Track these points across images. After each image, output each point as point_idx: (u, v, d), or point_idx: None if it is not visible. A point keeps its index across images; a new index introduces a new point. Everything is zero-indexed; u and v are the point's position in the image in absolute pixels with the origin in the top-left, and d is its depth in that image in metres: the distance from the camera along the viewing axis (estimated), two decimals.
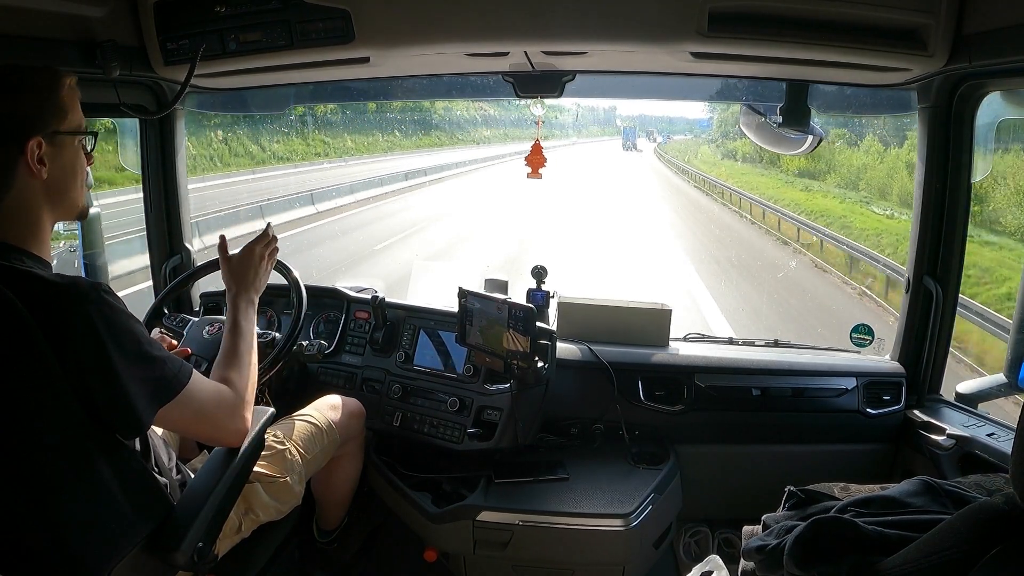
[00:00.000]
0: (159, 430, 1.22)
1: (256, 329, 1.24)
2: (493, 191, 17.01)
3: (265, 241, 1.32)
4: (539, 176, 1.76)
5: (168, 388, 0.95)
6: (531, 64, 1.56)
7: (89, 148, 1.01)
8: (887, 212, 11.29)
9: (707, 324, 5.68)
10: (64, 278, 0.88)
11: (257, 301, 1.27)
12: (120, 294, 0.93)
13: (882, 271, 7.26)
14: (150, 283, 1.98)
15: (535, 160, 1.75)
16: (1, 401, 0.85)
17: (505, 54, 1.48)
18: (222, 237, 1.33)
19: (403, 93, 2.01)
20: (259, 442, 1.17)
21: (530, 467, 1.58)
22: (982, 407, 1.63)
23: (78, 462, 0.90)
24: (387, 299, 1.79)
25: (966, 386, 1.65)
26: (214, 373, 1.11)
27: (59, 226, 1.72)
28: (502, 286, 1.75)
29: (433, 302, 1.80)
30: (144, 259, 1.97)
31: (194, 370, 1.00)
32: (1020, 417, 0.75)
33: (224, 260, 1.31)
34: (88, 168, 1.03)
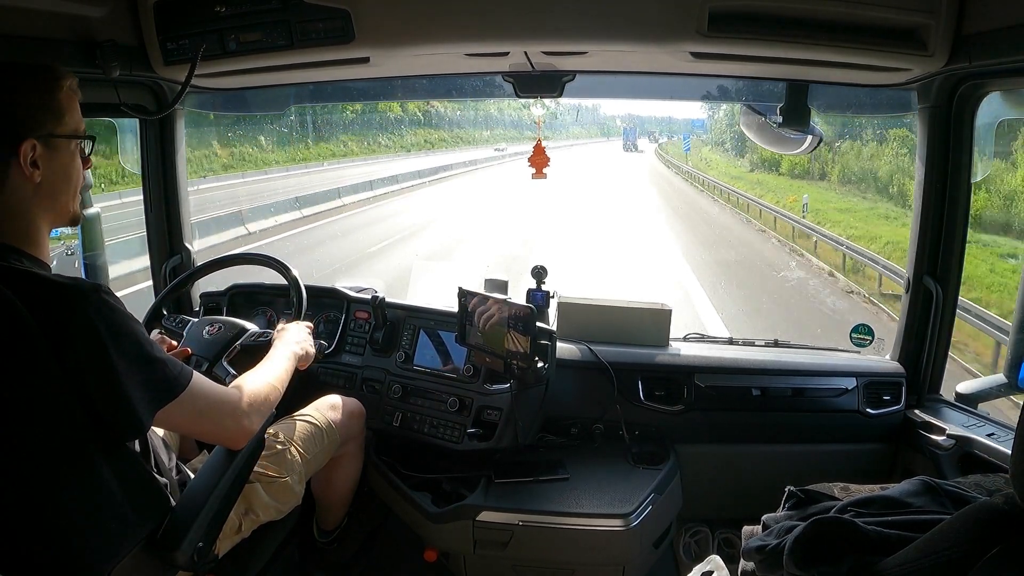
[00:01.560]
0: (159, 430, 1.22)
1: (286, 355, 1.31)
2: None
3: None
4: (544, 176, 1.76)
5: (168, 390, 0.95)
6: (531, 64, 1.56)
7: (87, 152, 0.99)
8: None
9: None
10: (64, 279, 0.88)
11: (294, 354, 1.34)
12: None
13: None
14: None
15: (538, 160, 1.76)
16: (1, 401, 0.85)
17: (505, 54, 1.48)
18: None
19: (403, 93, 2.01)
20: (259, 442, 1.18)
21: (530, 467, 1.57)
22: (982, 407, 1.63)
23: (78, 462, 0.90)
24: (387, 299, 1.79)
25: (966, 386, 1.65)
26: (237, 379, 1.14)
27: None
28: (502, 286, 1.74)
29: (433, 302, 1.80)
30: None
31: (195, 372, 1.00)
32: (1020, 417, 0.75)
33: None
34: (87, 170, 1.02)
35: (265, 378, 1.19)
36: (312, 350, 1.42)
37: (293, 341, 1.37)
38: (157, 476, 1.07)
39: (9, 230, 0.92)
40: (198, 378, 1.00)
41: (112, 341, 0.88)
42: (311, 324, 1.51)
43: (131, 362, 0.90)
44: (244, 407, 1.07)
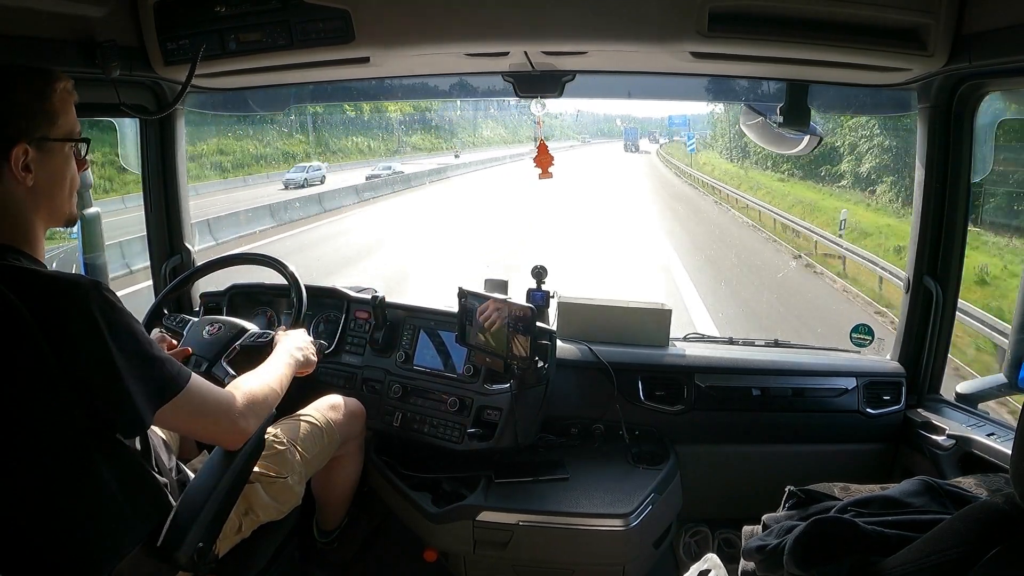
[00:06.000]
0: (159, 431, 1.22)
1: (286, 359, 1.30)
2: None
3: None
4: (550, 176, 1.76)
5: (167, 388, 0.95)
6: (531, 64, 1.56)
7: (83, 154, 0.99)
8: None
9: None
10: (64, 276, 0.88)
11: (295, 359, 1.33)
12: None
13: None
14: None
15: (543, 160, 1.76)
16: (0, 400, 0.85)
17: (505, 54, 1.48)
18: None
19: (403, 93, 2.02)
20: (259, 442, 1.17)
21: (530, 467, 1.57)
22: (982, 407, 1.63)
23: (78, 461, 0.90)
24: (387, 299, 1.79)
25: (966, 386, 1.65)
26: (236, 380, 1.14)
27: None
28: (502, 286, 1.74)
29: (433, 302, 1.80)
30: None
31: (193, 372, 1.00)
32: (1020, 417, 0.75)
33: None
34: (87, 170, 1.03)
35: (263, 380, 1.18)
36: (314, 357, 1.40)
37: (294, 346, 1.36)
38: (157, 476, 1.07)
39: (5, 229, 0.92)
40: (196, 379, 1.00)
41: (113, 338, 0.88)
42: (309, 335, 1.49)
43: (131, 359, 0.90)
44: (241, 408, 1.07)
